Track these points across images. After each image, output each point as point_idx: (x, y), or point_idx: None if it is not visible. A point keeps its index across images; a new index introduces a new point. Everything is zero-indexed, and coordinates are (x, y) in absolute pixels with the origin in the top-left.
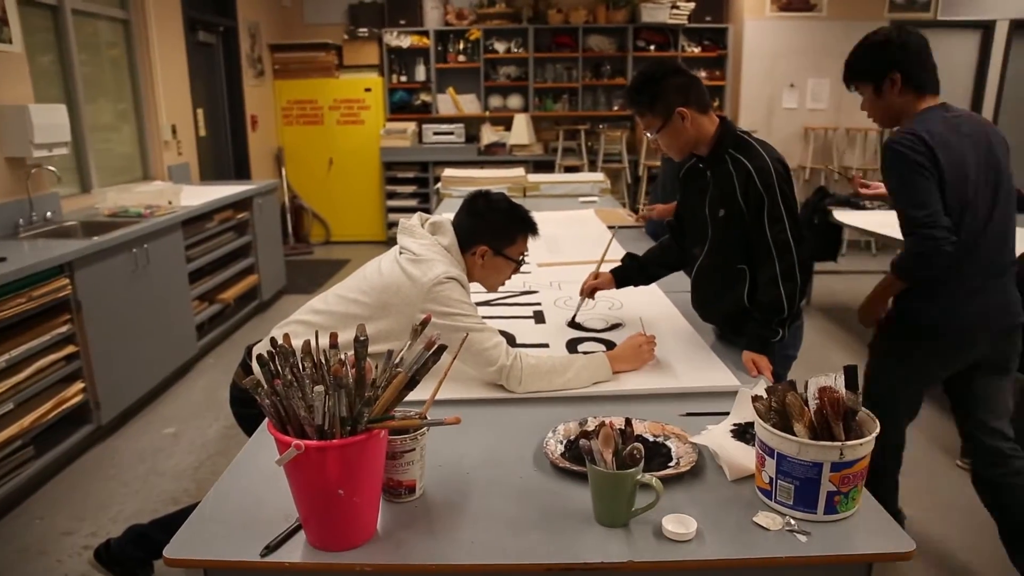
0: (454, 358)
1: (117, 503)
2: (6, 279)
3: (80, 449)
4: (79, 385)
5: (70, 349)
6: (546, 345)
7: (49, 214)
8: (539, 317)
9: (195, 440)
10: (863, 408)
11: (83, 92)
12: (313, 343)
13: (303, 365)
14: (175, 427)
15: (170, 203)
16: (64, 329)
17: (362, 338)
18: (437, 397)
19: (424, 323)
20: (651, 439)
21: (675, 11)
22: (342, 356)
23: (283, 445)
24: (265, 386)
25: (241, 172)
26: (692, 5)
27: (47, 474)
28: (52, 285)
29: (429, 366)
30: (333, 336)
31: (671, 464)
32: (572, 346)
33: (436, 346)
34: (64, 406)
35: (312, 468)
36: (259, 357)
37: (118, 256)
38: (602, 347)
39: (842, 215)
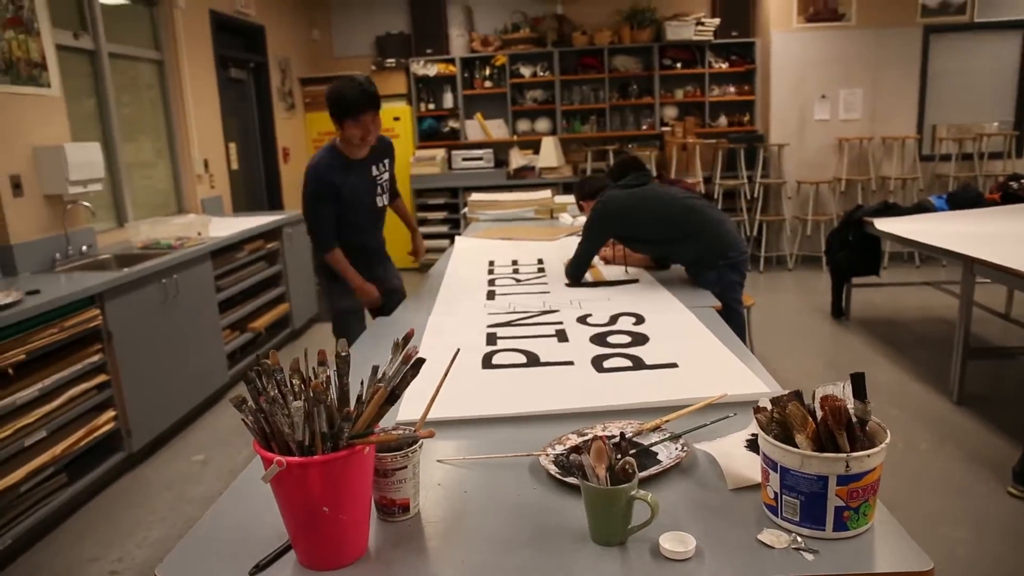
0: (445, 375)
1: (143, 529)
2: (38, 310)
3: (112, 476)
4: (110, 413)
5: (101, 378)
6: (571, 363)
7: (85, 248)
8: (562, 336)
9: (223, 467)
10: (873, 417)
11: (120, 131)
12: (303, 362)
13: (291, 382)
14: (204, 454)
15: (199, 234)
16: (95, 359)
17: (344, 354)
18: (441, 417)
19: (407, 338)
20: (644, 444)
21: (700, 28)
22: (330, 373)
23: (267, 462)
24: (250, 403)
25: (274, 203)
26: (717, 21)
27: (79, 501)
28: (83, 316)
29: (408, 380)
30: (322, 353)
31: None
32: (598, 363)
33: (414, 360)
34: (95, 434)
35: (295, 485)
36: (245, 375)
37: (148, 287)
38: (628, 363)
39: (882, 224)
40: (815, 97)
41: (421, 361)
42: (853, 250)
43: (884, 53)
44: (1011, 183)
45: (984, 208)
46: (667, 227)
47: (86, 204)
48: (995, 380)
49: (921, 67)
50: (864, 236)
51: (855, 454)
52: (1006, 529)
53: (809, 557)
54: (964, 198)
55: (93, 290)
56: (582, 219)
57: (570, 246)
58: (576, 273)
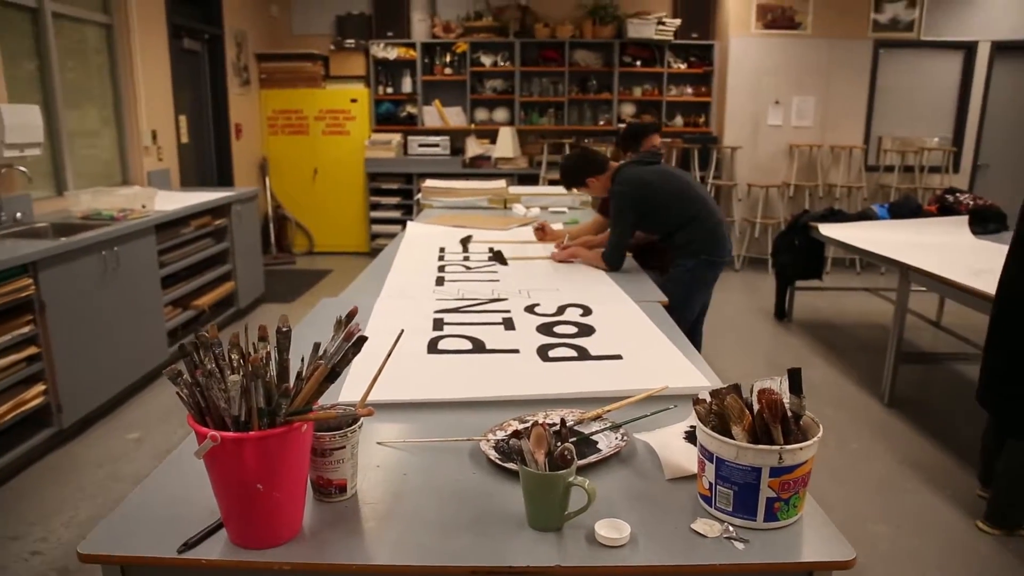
0: (389, 354)
1: (71, 508)
2: None
3: (39, 452)
4: (40, 387)
5: (32, 350)
6: (517, 351)
7: (19, 215)
8: (509, 324)
9: (159, 446)
10: (807, 412)
11: (63, 96)
12: (243, 336)
13: (229, 356)
14: (139, 433)
15: (144, 207)
16: (26, 330)
17: (284, 329)
18: (384, 399)
19: (350, 315)
20: (584, 432)
21: (661, 27)
22: (270, 348)
23: (201, 437)
24: (186, 376)
25: (224, 180)
26: (678, 21)
27: (2, 477)
28: (14, 284)
29: (349, 358)
30: (262, 328)
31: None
32: (543, 352)
33: (356, 337)
34: (23, 408)
35: (229, 461)
36: (181, 347)
37: (86, 258)
38: (574, 353)
39: (826, 229)
40: (769, 102)
41: (363, 339)
42: (798, 254)
43: (836, 64)
44: (947, 196)
45: (922, 219)
46: (678, 208)
47: (22, 169)
48: (924, 385)
49: (870, 79)
50: (809, 241)
51: (788, 447)
52: (922, 526)
53: (740, 546)
54: (904, 208)
55: (26, 258)
56: (535, 211)
57: (523, 234)
58: (615, 260)
